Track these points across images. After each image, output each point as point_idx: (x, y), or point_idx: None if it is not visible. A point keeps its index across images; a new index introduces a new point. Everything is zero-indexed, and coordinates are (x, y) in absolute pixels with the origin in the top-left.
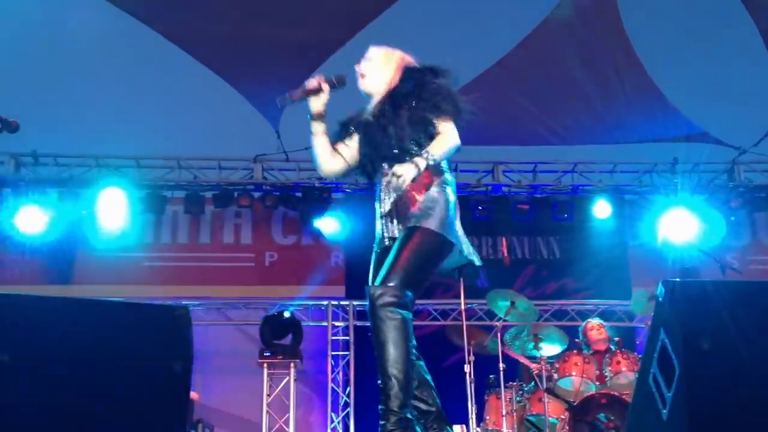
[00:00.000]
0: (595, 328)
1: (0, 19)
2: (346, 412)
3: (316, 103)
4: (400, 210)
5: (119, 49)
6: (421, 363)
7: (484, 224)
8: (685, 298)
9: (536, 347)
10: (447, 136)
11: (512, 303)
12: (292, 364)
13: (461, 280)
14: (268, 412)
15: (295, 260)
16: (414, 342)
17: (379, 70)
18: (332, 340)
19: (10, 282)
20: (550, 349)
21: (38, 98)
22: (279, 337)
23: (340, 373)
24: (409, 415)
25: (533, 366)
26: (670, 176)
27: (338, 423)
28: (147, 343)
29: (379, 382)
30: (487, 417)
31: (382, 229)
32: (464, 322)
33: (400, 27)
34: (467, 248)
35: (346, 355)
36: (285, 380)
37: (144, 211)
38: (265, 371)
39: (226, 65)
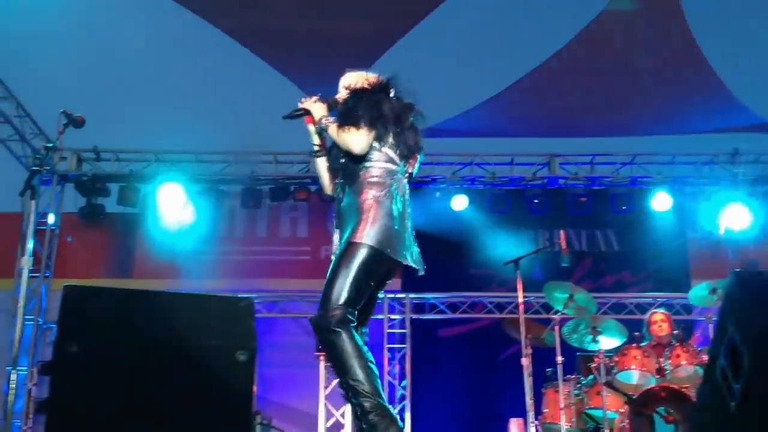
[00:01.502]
0: (659, 321)
1: (64, 18)
2: (402, 404)
3: (311, 126)
4: (341, 220)
5: (178, 45)
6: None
7: (540, 217)
8: (757, 289)
9: (594, 340)
10: (347, 135)
11: (570, 296)
12: None
13: (518, 272)
14: (325, 404)
15: None
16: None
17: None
18: (388, 333)
19: (73, 275)
20: (608, 342)
21: (100, 94)
22: None
23: (397, 366)
24: (381, 401)
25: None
26: (730, 167)
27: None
28: (213, 333)
29: (346, 391)
30: (545, 410)
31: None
32: (521, 315)
33: (457, 19)
34: (412, 256)
35: (403, 347)
36: None
37: (202, 206)
38: (322, 364)
39: (283, 59)
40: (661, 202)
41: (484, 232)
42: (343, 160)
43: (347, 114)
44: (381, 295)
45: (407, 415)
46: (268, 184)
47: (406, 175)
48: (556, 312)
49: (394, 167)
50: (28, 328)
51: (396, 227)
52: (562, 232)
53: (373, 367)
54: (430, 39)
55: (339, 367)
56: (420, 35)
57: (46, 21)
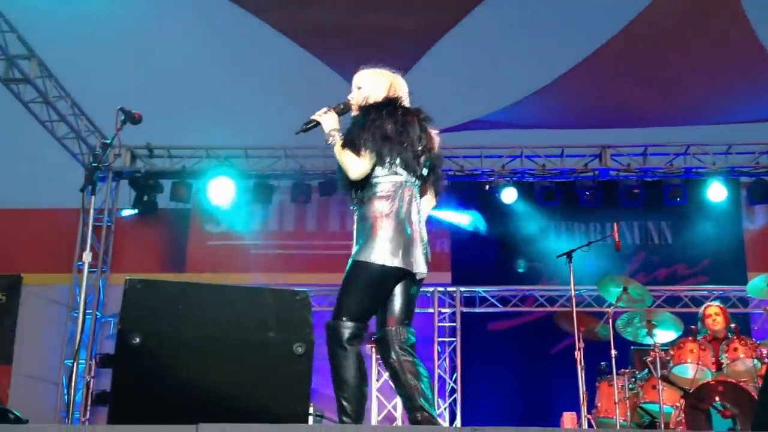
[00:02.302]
0: (713, 315)
1: (116, 18)
2: (453, 398)
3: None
4: (356, 234)
5: (229, 42)
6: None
7: (591, 209)
8: None
9: (649, 333)
10: (346, 158)
11: (624, 288)
12: None
13: (570, 265)
14: (377, 396)
15: None
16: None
17: (362, 98)
18: (438, 326)
19: (128, 270)
20: (664, 335)
21: (151, 91)
22: None
23: (447, 360)
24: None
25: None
26: None
27: (445, 409)
28: (270, 326)
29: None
30: (599, 404)
31: None
32: (574, 308)
33: (506, 9)
34: (418, 267)
35: (453, 341)
36: None
37: (252, 200)
38: (374, 357)
39: (332, 53)
40: (716, 192)
41: (534, 225)
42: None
43: (351, 136)
44: (430, 288)
45: (457, 409)
46: (317, 178)
47: (414, 179)
48: (610, 305)
49: (400, 179)
50: (86, 321)
51: (406, 236)
52: (615, 225)
53: (365, 391)
54: (478, 30)
55: (336, 380)
56: (468, 27)
57: (99, 20)
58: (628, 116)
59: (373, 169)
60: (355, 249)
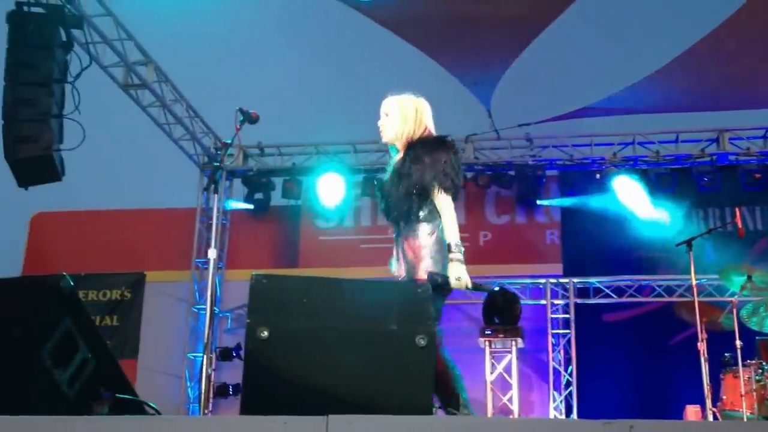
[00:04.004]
0: None
1: (224, 21)
2: (568, 390)
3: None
4: (399, 254)
5: (333, 38)
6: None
7: (710, 196)
8: None
9: None
10: (448, 213)
11: (749, 277)
12: (513, 343)
13: (690, 254)
14: (491, 389)
15: (510, 239)
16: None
17: (395, 124)
18: (552, 318)
19: (243, 266)
20: None
21: (260, 91)
22: (499, 315)
23: (561, 352)
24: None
25: None
26: None
27: (561, 402)
28: (392, 318)
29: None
30: (724, 397)
31: (395, 268)
32: (696, 298)
33: None
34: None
35: (567, 333)
36: (506, 358)
37: (361, 195)
38: (487, 349)
39: (435, 46)
40: None
41: (649, 213)
42: (397, 212)
43: (424, 178)
44: (542, 280)
45: (574, 402)
46: None
47: None
48: (732, 294)
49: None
50: (204, 316)
51: (445, 253)
52: (737, 210)
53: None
54: (587, 16)
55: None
56: (577, 12)
57: (209, 24)
58: (748, 97)
59: (425, 200)
60: (410, 269)
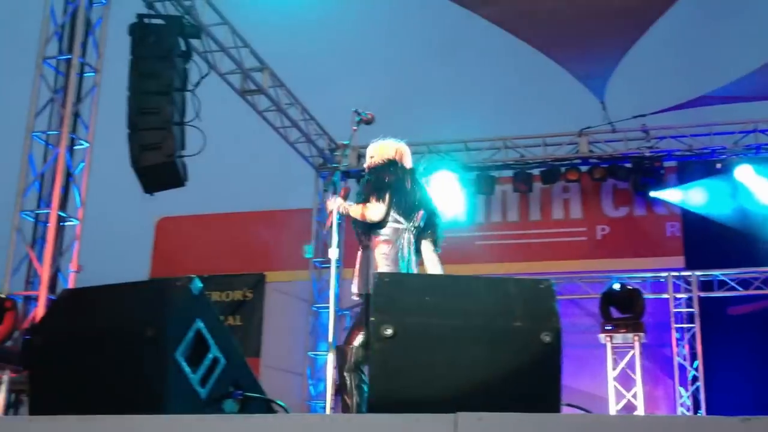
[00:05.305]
0: None
1: (334, 25)
2: (695, 386)
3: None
4: (361, 273)
5: (442, 36)
6: None
7: None
8: None
9: None
10: (366, 210)
11: None
12: (636, 338)
13: None
14: (615, 386)
15: (629, 232)
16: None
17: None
18: (675, 312)
19: None
20: None
21: (371, 91)
22: (620, 310)
23: (686, 346)
24: None
25: None
26: None
27: (687, 398)
28: (516, 315)
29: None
30: None
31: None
32: None
33: None
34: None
35: (691, 327)
36: (629, 354)
37: (474, 192)
38: (609, 345)
39: (547, 41)
40: None
41: None
42: (360, 229)
43: (365, 190)
44: (664, 274)
45: (701, 398)
46: (539, 166)
47: (413, 228)
48: None
49: (400, 226)
50: (323, 315)
51: (402, 271)
52: None
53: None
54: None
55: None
56: (688, 5)
57: (320, 29)
58: None
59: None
60: (361, 286)
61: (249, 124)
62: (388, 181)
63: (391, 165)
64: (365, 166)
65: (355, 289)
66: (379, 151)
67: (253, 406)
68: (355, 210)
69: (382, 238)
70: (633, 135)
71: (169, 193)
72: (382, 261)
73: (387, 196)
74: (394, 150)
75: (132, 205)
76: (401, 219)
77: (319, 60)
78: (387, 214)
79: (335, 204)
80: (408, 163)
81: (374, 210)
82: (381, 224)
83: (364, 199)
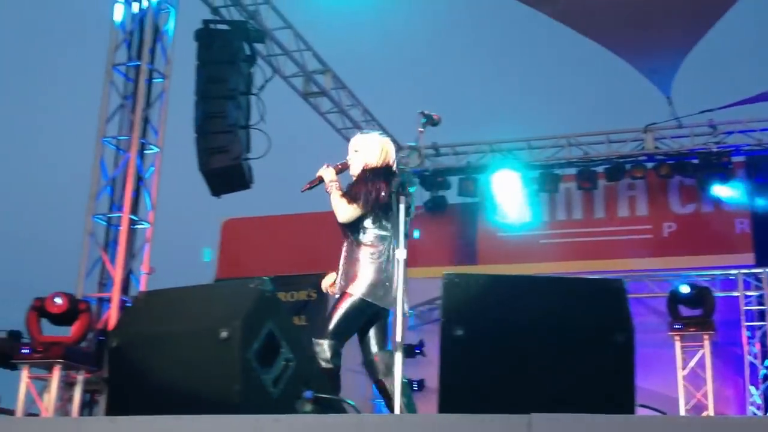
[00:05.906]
0: None
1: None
2: (765, 385)
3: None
4: (343, 269)
5: (504, 35)
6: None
7: None
8: None
9: None
10: (341, 205)
11: None
12: (705, 336)
13: None
14: (685, 386)
15: (696, 229)
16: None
17: (363, 161)
18: (745, 310)
19: (423, 264)
20: None
21: (432, 92)
22: (689, 308)
23: (756, 345)
24: None
25: None
26: None
27: (758, 396)
28: (588, 315)
29: None
30: None
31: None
32: None
33: None
34: (392, 305)
35: (762, 325)
36: (699, 353)
37: (538, 191)
38: (678, 344)
39: (612, 36)
40: None
41: None
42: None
43: (351, 189)
44: (733, 271)
45: None
46: (603, 164)
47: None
48: None
49: (386, 233)
50: (389, 315)
51: (384, 279)
52: None
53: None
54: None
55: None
56: None
57: (381, 31)
58: None
59: (365, 220)
60: (341, 282)
61: (312, 125)
62: (377, 192)
63: (385, 172)
64: (347, 159)
65: (351, 290)
66: (364, 145)
67: (324, 406)
68: (335, 198)
69: (367, 241)
70: (700, 130)
71: (235, 195)
72: (367, 266)
73: (363, 205)
74: (380, 148)
75: (198, 206)
76: (388, 227)
77: (380, 60)
78: (352, 220)
79: (327, 176)
80: (392, 161)
81: (344, 209)
82: (364, 227)
83: (348, 193)
